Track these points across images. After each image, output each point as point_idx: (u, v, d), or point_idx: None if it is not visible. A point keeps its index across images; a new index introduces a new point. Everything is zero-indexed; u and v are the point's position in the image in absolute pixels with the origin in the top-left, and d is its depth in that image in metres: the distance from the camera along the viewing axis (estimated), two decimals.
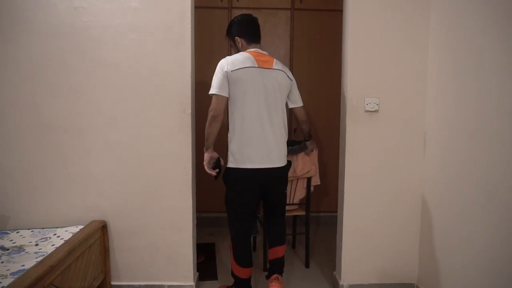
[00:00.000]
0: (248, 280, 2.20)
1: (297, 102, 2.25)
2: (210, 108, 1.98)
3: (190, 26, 2.12)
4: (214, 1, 3.39)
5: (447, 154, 1.98)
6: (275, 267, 2.25)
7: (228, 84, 1.99)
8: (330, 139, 3.31)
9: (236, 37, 2.14)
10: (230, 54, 2.11)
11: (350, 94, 2.20)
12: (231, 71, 1.97)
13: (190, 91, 2.17)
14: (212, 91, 1.98)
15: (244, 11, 3.20)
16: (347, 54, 2.20)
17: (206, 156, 2.06)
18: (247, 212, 2.15)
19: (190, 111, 2.17)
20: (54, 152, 2.17)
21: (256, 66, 2.03)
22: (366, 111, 2.20)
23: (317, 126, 3.49)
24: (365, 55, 2.18)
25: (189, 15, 2.12)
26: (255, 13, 2.25)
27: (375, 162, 2.25)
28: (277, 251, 2.25)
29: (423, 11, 2.15)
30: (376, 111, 2.20)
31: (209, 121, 1.99)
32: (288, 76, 2.14)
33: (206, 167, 2.07)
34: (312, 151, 2.58)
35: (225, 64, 2.00)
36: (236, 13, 3.32)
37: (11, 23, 2.09)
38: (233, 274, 2.22)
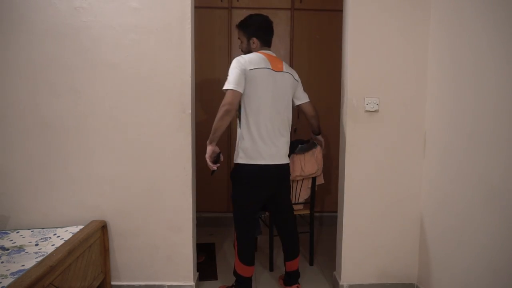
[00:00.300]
0: (250, 279, 2.22)
1: (303, 98, 2.31)
2: (224, 102, 1.97)
3: (190, 26, 2.12)
4: (214, 1, 3.39)
5: (447, 154, 1.98)
6: (294, 278, 2.37)
7: (244, 81, 2.01)
8: (330, 139, 3.31)
9: (253, 38, 2.17)
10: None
11: (350, 94, 2.21)
12: (249, 69, 2.01)
13: (190, 91, 2.17)
14: (229, 86, 1.98)
15: (244, 11, 3.20)
16: (347, 54, 2.21)
17: (209, 149, 2.06)
18: (253, 210, 2.20)
19: (190, 111, 2.17)
20: (55, 152, 2.17)
21: (270, 67, 2.08)
22: (366, 111, 2.20)
23: None
24: (365, 55, 2.18)
25: (189, 15, 2.12)
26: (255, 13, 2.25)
27: (375, 162, 2.25)
28: (295, 264, 2.34)
29: (423, 11, 2.15)
30: (376, 111, 2.20)
31: (221, 115, 1.97)
32: (294, 78, 2.23)
33: (208, 160, 2.07)
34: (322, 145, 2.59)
35: (243, 62, 2.03)
36: (236, 13, 3.33)
37: (11, 23, 2.08)
38: (235, 273, 2.24)
